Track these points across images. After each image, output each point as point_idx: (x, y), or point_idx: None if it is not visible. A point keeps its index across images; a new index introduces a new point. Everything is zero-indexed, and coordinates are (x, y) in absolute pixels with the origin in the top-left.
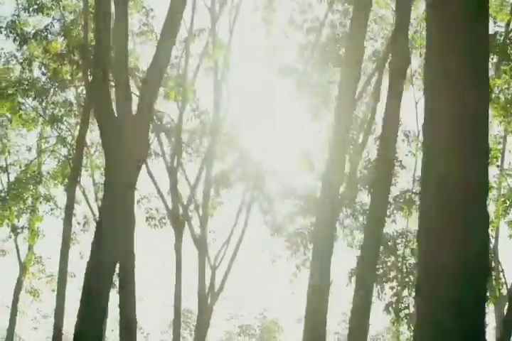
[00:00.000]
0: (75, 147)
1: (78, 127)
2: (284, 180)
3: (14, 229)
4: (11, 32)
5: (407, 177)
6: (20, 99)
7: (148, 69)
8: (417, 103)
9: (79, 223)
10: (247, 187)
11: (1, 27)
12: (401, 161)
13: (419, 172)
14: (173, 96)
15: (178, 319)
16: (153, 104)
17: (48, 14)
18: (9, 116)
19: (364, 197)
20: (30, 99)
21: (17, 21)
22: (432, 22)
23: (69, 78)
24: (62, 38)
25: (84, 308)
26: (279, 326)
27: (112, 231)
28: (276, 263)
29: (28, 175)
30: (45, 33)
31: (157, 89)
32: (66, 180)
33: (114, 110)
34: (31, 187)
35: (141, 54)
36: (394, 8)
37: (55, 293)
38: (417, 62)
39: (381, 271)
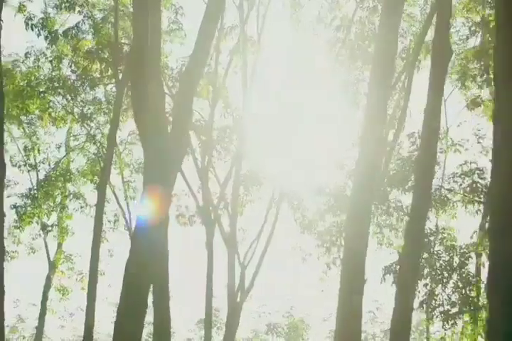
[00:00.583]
0: (104, 145)
1: (108, 125)
2: (313, 177)
3: (44, 227)
4: (42, 29)
5: (437, 174)
6: (50, 97)
7: (187, 65)
8: (445, 100)
9: (109, 221)
10: (277, 184)
11: (33, 25)
12: None
13: (448, 170)
14: (204, 94)
15: (209, 317)
16: (192, 99)
17: (79, 12)
18: (38, 113)
19: (396, 195)
20: (60, 97)
21: (48, 19)
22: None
23: (98, 76)
24: (92, 35)
25: (125, 306)
26: (306, 324)
27: (150, 230)
28: (306, 261)
29: (58, 173)
30: (76, 31)
31: (197, 84)
32: (95, 178)
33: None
34: (60, 185)
35: (170, 52)
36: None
37: (86, 291)
38: None
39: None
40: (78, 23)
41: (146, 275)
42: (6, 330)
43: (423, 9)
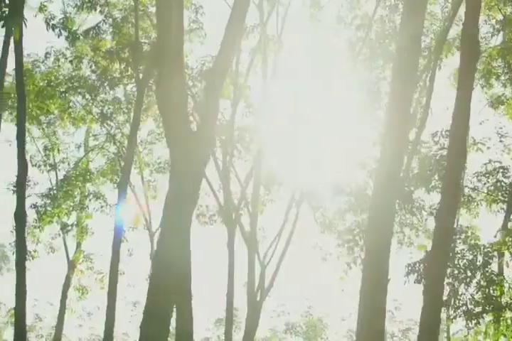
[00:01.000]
0: (124, 145)
1: (127, 124)
2: (334, 176)
3: (64, 227)
4: (63, 29)
5: None
6: (70, 97)
7: (213, 64)
8: None
9: (130, 221)
10: (297, 184)
11: (54, 25)
12: None
13: (470, 169)
14: (226, 93)
15: (230, 316)
16: (219, 99)
17: (101, 12)
18: (57, 113)
19: (420, 194)
20: (80, 97)
21: (68, 19)
22: None
23: (118, 76)
24: (111, 35)
25: (151, 307)
26: (325, 324)
27: (175, 231)
28: (326, 260)
29: (77, 173)
30: (97, 31)
31: (223, 84)
32: (115, 178)
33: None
34: (80, 185)
35: (190, 51)
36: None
37: (105, 290)
38: None
39: None
40: (99, 23)
41: (171, 276)
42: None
43: (444, 7)
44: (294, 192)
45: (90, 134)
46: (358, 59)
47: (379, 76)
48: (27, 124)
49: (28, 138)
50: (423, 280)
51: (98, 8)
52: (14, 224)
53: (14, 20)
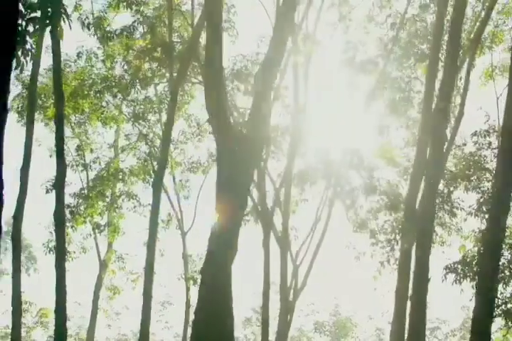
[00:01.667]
0: (156, 144)
1: (158, 124)
2: (366, 175)
3: (97, 227)
4: (99, 29)
5: None
6: (103, 97)
7: (263, 64)
8: (498, 98)
9: (162, 220)
10: (329, 183)
11: (89, 24)
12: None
13: None
14: None
15: (266, 316)
16: (270, 98)
17: (136, 10)
18: (89, 113)
19: (459, 193)
20: (111, 96)
21: (102, 18)
22: None
23: (150, 75)
24: (144, 34)
25: (207, 305)
26: (354, 323)
27: (226, 231)
28: (359, 259)
29: (109, 173)
30: (132, 30)
31: (273, 83)
32: (147, 177)
33: None
34: (112, 185)
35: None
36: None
37: (136, 290)
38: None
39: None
40: (134, 22)
41: (225, 275)
42: (52, 329)
43: (474, 6)
44: (326, 191)
45: (120, 134)
46: (390, 58)
47: (411, 75)
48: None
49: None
50: (463, 280)
51: (134, 7)
52: (50, 225)
53: (58, 19)
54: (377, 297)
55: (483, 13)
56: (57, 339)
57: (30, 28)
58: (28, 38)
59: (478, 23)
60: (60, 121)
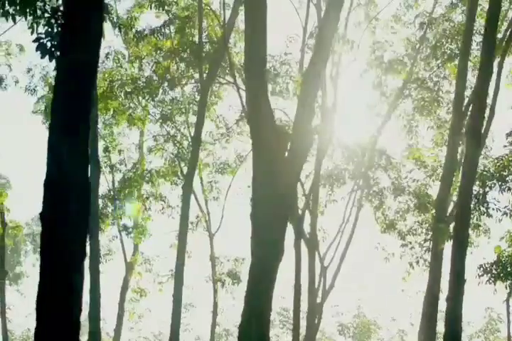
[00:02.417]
0: (184, 145)
1: (185, 125)
2: (394, 176)
3: (124, 229)
4: (130, 29)
5: None
6: (131, 98)
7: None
8: None
9: (191, 222)
10: (358, 184)
11: (121, 25)
12: None
13: None
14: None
15: (297, 318)
16: (315, 100)
17: (167, 11)
18: (112, 114)
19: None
20: (139, 97)
21: (133, 18)
22: None
23: (178, 76)
24: (173, 35)
25: (249, 308)
26: (377, 325)
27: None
28: (388, 261)
29: (137, 174)
30: (163, 31)
31: (318, 86)
32: (175, 179)
33: None
34: (139, 187)
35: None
36: None
37: (163, 293)
38: None
39: None
40: (165, 22)
41: (271, 277)
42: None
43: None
44: (354, 192)
45: (145, 135)
46: (418, 58)
47: (439, 75)
48: None
49: None
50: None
51: (165, 7)
52: None
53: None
54: (401, 298)
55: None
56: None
57: None
58: None
59: (505, 23)
60: (93, 123)
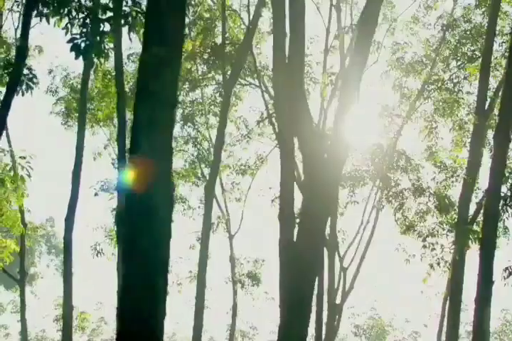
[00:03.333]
0: (204, 147)
1: (205, 126)
2: (414, 177)
3: None
4: None
5: None
6: None
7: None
8: None
9: (213, 223)
10: (377, 185)
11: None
12: None
13: None
14: (325, 93)
15: (320, 320)
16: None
17: (193, 12)
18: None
19: None
20: None
21: None
22: None
23: (199, 77)
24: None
25: (290, 310)
26: (392, 326)
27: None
28: (408, 262)
29: None
30: (188, 31)
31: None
32: (195, 180)
33: None
34: None
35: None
36: None
37: (181, 294)
38: None
39: None
40: (189, 23)
41: (312, 275)
42: (88, 331)
43: None
44: (374, 193)
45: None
46: (438, 59)
47: (460, 76)
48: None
49: (104, 140)
50: None
51: (190, 9)
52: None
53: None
54: (416, 299)
55: None
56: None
57: (106, 28)
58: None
59: None
60: (122, 123)
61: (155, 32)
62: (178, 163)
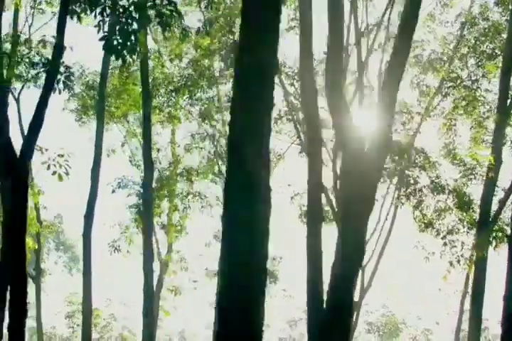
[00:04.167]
0: (222, 144)
1: (221, 123)
2: (432, 175)
3: (163, 227)
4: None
5: None
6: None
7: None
8: None
9: None
10: (396, 183)
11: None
12: None
13: None
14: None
15: None
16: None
17: (216, 9)
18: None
19: None
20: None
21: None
22: None
23: (217, 74)
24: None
25: (333, 297)
26: (405, 324)
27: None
28: (428, 260)
29: (174, 172)
30: (208, 29)
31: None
32: (213, 177)
33: None
34: (178, 185)
35: (287, 50)
36: None
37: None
38: None
39: None
40: (211, 20)
41: (355, 270)
42: (99, 328)
43: None
44: (393, 190)
45: (176, 133)
46: (456, 56)
47: (478, 73)
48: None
49: (121, 137)
50: None
51: (214, 6)
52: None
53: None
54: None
55: None
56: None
57: (137, 26)
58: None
59: None
60: (147, 120)
61: (256, 36)
62: (194, 160)
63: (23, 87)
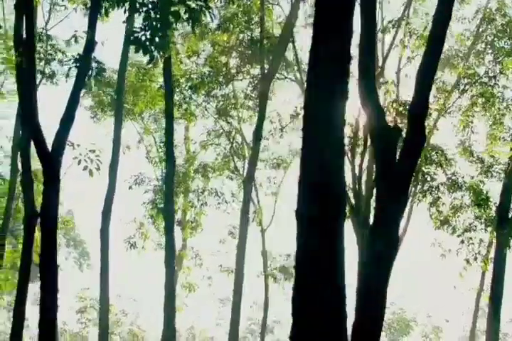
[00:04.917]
0: (238, 141)
1: (237, 120)
2: (449, 172)
3: (179, 224)
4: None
5: None
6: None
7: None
8: None
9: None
10: (412, 180)
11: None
12: None
13: None
14: None
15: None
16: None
17: (238, 5)
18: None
19: None
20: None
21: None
22: None
23: (234, 71)
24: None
25: (364, 299)
26: (416, 322)
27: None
28: (444, 257)
29: (190, 169)
30: (227, 25)
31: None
32: (229, 174)
33: None
34: (192, 181)
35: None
36: None
37: (232, 289)
38: None
39: None
40: (233, 16)
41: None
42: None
43: None
44: (410, 187)
45: (190, 130)
46: (473, 53)
47: (496, 70)
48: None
49: (135, 134)
50: None
51: (236, 2)
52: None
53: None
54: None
55: None
56: (167, 336)
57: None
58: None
59: None
60: (170, 116)
61: (334, 28)
62: (210, 156)
63: (39, 84)
